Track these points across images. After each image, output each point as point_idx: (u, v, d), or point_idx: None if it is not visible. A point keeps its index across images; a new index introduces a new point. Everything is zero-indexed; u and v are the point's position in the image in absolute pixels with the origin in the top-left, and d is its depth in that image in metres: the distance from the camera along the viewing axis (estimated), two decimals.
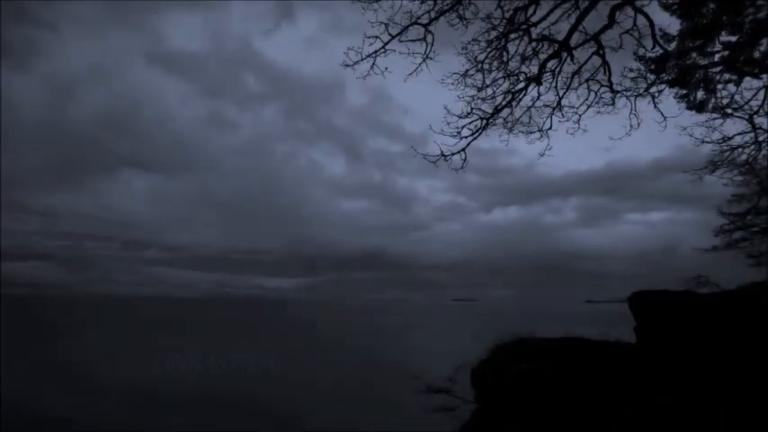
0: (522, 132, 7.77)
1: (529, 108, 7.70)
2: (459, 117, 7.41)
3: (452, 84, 7.33)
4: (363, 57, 6.86)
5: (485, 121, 7.55)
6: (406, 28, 6.86)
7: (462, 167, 7.71)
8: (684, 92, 7.79)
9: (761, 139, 8.80)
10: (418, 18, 6.85)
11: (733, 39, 7.19)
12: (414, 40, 7.00)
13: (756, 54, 7.22)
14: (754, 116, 8.48)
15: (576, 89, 7.60)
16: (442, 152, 7.41)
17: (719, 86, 7.88)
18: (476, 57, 7.19)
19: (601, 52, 7.19)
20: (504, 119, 7.70)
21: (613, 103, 7.58)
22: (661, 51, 7.27)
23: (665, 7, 7.42)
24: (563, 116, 7.76)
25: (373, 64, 6.94)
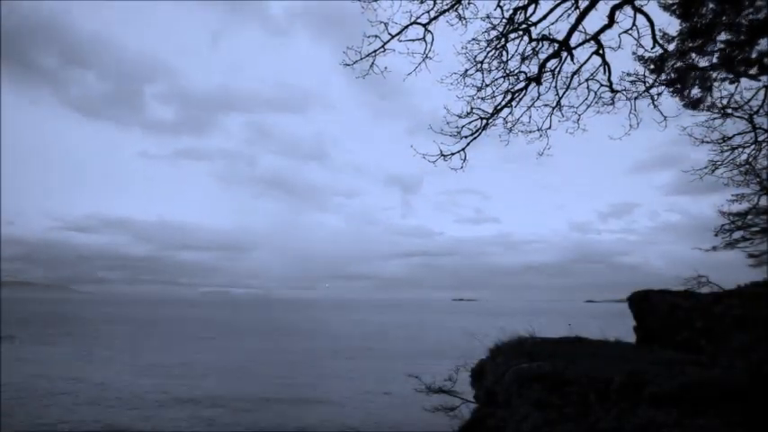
0: (522, 132, 7.77)
1: (529, 108, 7.70)
2: (459, 117, 7.41)
3: (452, 83, 7.32)
4: (362, 56, 6.87)
5: (485, 121, 7.55)
6: (406, 27, 6.86)
7: (462, 167, 7.72)
8: (679, 86, 7.79)
9: (761, 139, 8.80)
10: (418, 18, 6.85)
11: (732, 39, 7.19)
12: (413, 40, 7.00)
13: (755, 54, 7.22)
14: (754, 116, 8.48)
15: (575, 89, 7.60)
16: (441, 152, 7.42)
17: (715, 85, 7.90)
18: (475, 56, 7.19)
19: (601, 52, 7.18)
20: (504, 119, 7.69)
21: (613, 103, 7.58)
22: (661, 51, 7.26)
23: (665, 7, 7.42)
24: (563, 116, 7.76)
25: (372, 63, 6.95)
